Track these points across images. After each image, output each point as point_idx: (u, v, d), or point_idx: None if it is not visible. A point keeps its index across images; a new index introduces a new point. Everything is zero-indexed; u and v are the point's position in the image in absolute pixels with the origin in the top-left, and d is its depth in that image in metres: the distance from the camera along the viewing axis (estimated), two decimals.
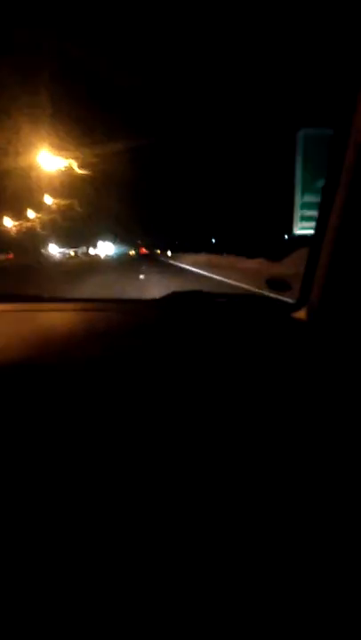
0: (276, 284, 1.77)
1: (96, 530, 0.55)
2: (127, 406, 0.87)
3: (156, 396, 0.92)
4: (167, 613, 0.45)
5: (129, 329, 1.43)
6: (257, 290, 7.75)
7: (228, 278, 12.70)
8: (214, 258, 24.27)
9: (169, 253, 57.28)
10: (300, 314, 1.36)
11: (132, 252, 77.52)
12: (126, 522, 0.57)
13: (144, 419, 0.82)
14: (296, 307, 1.41)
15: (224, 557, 0.51)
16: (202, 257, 27.26)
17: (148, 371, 1.06)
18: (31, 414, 0.83)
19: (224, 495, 0.62)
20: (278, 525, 0.56)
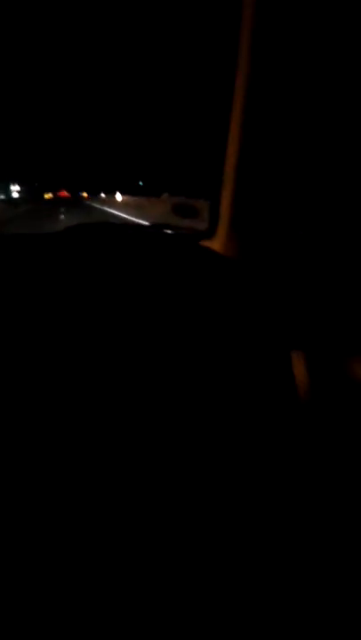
0: (182, 209, 1.69)
1: (96, 525, 0.55)
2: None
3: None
4: (167, 613, 0.45)
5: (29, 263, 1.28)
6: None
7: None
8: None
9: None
10: (212, 243, 1.32)
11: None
12: (126, 517, 0.56)
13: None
14: (207, 235, 1.36)
15: (224, 557, 0.51)
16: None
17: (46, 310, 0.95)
18: None
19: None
20: (270, 510, 0.57)
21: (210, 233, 1.34)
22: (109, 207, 22.24)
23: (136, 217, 13.71)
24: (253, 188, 1.07)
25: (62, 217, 16.40)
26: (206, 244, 1.32)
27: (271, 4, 0.89)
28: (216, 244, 1.29)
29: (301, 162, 0.99)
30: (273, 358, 0.78)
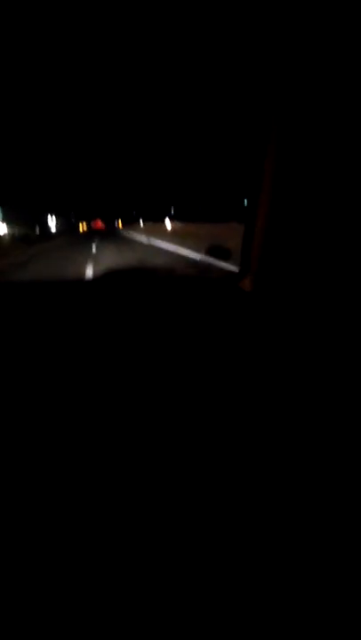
0: (216, 251, 1.80)
1: (96, 519, 0.55)
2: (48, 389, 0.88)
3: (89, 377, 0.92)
4: (167, 613, 0.44)
5: (67, 310, 1.40)
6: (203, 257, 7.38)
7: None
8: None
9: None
10: (243, 283, 1.41)
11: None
12: (126, 512, 0.56)
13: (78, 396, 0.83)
14: (239, 276, 1.46)
15: (224, 557, 0.51)
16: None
17: (84, 350, 1.06)
18: None
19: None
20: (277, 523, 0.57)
21: (241, 274, 1.44)
22: (145, 236, 21.54)
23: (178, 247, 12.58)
24: (281, 239, 1.17)
25: (94, 251, 15.00)
26: (240, 284, 1.42)
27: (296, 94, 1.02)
28: (246, 284, 1.38)
29: (323, 214, 1.10)
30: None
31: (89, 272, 7.60)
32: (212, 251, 1.82)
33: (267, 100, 1.07)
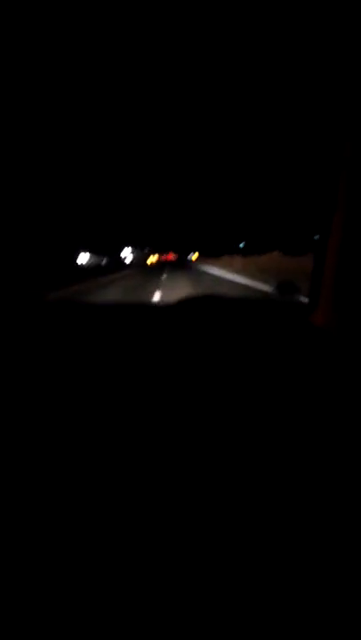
0: (284, 288, 1.82)
1: (96, 520, 0.57)
2: (132, 404, 0.92)
3: (164, 402, 0.95)
4: (167, 613, 0.44)
5: (145, 332, 1.48)
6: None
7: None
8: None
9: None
10: (314, 317, 1.41)
11: (151, 261, 47.63)
12: (127, 514, 0.59)
13: (147, 416, 0.86)
14: (309, 310, 1.46)
15: (224, 556, 0.52)
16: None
17: (159, 372, 1.12)
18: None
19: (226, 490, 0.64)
20: (277, 523, 0.57)
21: (311, 308, 1.45)
22: (215, 268, 21.01)
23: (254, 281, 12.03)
24: (352, 275, 1.17)
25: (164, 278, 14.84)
26: (310, 318, 1.42)
27: None
28: (318, 318, 1.38)
29: None
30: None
31: (157, 298, 7.88)
32: (282, 285, 1.85)
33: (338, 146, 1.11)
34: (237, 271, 16.00)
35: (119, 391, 0.98)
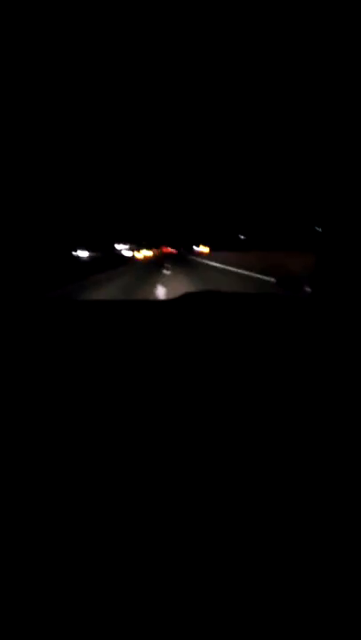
0: (285, 282, 1.80)
1: (96, 523, 0.56)
2: (133, 406, 0.90)
3: (162, 398, 0.94)
4: (167, 613, 0.44)
5: (142, 329, 1.46)
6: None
7: None
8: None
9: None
10: (313, 311, 1.40)
11: (144, 255, 42.22)
12: (127, 517, 0.57)
13: (148, 418, 0.84)
14: (309, 304, 1.44)
15: (224, 556, 0.51)
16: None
17: (156, 371, 1.10)
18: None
19: (225, 491, 0.63)
20: (278, 524, 0.57)
21: (312, 301, 1.43)
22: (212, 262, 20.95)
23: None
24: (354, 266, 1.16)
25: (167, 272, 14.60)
26: (310, 312, 1.41)
27: None
28: (316, 312, 1.37)
29: None
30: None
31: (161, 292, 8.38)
32: (284, 279, 1.82)
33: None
34: (239, 265, 15.96)
35: (120, 385, 0.99)
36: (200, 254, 37.61)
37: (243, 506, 0.60)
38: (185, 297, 1.79)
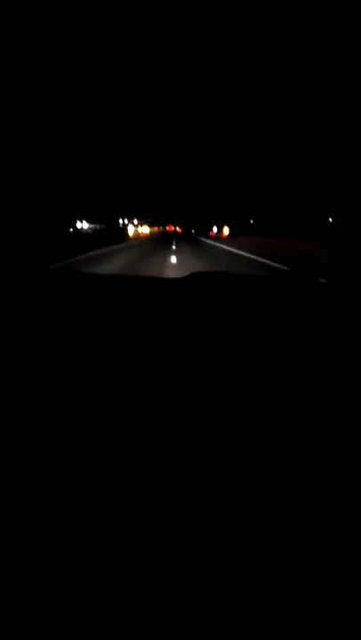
0: (300, 267, 1.74)
1: (96, 524, 0.55)
2: (137, 389, 0.88)
3: (166, 380, 0.91)
4: (167, 613, 0.44)
5: (149, 307, 1.42)
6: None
7: None
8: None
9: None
10: (330, 294, 1.35)
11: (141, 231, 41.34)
12: (127, 517, 0.56)
13: (148, 402, 0.82)
14: (327, 288, 1.40)
15: (224, 556, 0.51)
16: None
17: (162, 351, 1.06)
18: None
19: (225, 490, 0.62)
20: (279, 524, 0.56)
21: (330, 285, 1.37)
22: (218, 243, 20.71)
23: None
24: None
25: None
26: (326, 296, 1.36)
27: None
28: (334, 296, 1.32)
29: None
30: None
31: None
32: (298, 264, 1.77)
33: None
34: (250, 250, 15.63)
35: (121, 369, 0.95)
36: (221, 238, 33.25)
37: (243, 501, 0.59)
38: (192, 277, 1.73)
